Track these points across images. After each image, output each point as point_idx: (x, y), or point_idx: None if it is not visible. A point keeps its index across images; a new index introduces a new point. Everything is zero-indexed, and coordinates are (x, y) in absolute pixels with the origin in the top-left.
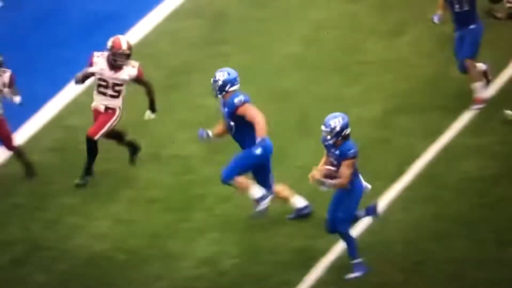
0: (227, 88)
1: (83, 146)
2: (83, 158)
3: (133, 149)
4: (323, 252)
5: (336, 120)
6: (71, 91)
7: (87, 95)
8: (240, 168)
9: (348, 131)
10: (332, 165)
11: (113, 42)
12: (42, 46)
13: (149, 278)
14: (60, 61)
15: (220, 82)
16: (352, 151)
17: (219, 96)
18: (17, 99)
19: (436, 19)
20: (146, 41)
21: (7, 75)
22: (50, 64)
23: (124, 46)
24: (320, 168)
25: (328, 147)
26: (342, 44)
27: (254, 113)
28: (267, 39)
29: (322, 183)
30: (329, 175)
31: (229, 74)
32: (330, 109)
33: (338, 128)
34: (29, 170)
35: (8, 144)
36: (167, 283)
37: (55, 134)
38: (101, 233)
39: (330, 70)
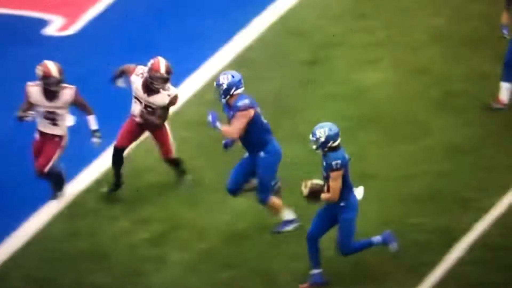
0: (232, 91)
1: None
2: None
3: (180, 172)
4: (463, 231)
5: (322, 130)
6: (213, 65)
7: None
8: (268, 184)
9: (335, 143)
10: (323, 177)
11: (152, 64)
12: (180, 15)
13: (286, 258)
14: (198, 35)
15: (224, 86)
16: (337, 161)
17: (223, 100)
18: (70, 120)
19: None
20: (291, 15)
21: (70, 92)
22: (187, 37)
23: (163, 70)
24: (307, 184)
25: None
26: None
27: (238, 122)
28: (411, 14)
29: (313, 201)
30: (317, 190)
31: (233, 76)
32: (473, 86)
33: (322, 139)
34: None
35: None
36: (303, 263)
37: (197, 109)
38: (242, 211)
39: (473, 44)
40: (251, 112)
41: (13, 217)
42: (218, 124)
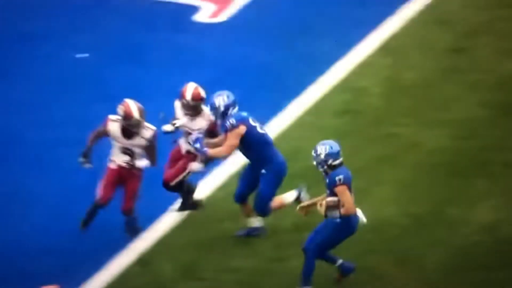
0: (229, 112)
1: (370, 110)
2: (372, 122)
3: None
4: None
5: (323, 147)
6: (359, 52)
7: (376, 57)
8: (267, 200)
9: (335, 161)
10: (327, 195)
11: (189, 92)
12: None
13: (426, 244)
14: (350, 21)
15: (221, 108)
16: (339, 177)
17: (221, 121)
18: (142, 163)
19: None
20: (436, 4)
21: (148, 133)
22: (340, 24)
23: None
24: (322, 202)
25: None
26: None
27: (228, 141)
28: None
29: (331, 214)
30: (332, 206)
31: (228, 97)
32: None
33: (322, 156)
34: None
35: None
36: (443, 249)
37: (342, 97)
38: (386, 198)
39: None
40: (242, 129)
41: (161, 203)
42: (205, 149)
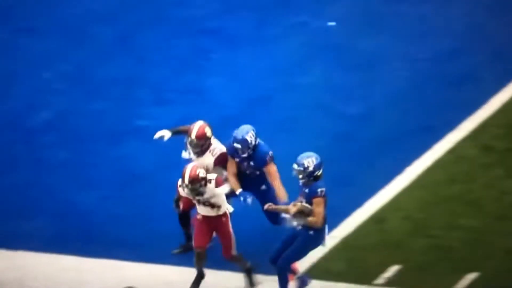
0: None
1: None
2: None
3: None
4: None
5: (310, 160)
6: None
7: None
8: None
9: (320, 172)
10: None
11: (195, 130)
12: None
13: None
14: None
15: (310, 169)
16: (322, 189)
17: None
18: (225, 189)
19: None
20: None
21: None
22: None
23: (193, 135)
24: (297, 204)
25: (300, 187)
26: None
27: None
28: None
29: (295, 219)
30: (303, 212)
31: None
32: None
33: (311, 168)
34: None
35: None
36: None
37: None
38: None
39: None
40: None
41: (398, 163)
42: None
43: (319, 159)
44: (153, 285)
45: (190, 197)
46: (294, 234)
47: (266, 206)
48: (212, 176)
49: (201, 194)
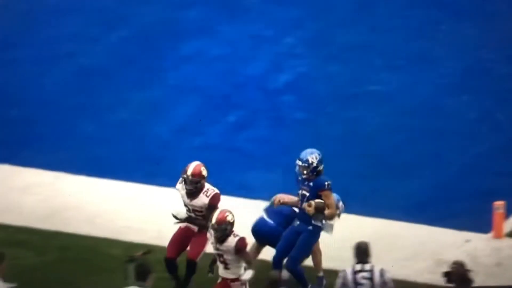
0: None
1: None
2: None
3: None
4: None
5: (313, 156)
6: None
7: None
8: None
9: (322, 167)
10: (304, 197)
11: (191, 168)
12: None
13: None
14: None
15: (314, 164)
16: (328, 182)
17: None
18: (247, 275)
19: None
20: None
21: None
22: None
23: (189, 172)
24: (311, 204)
25: (300, 181)
26: None
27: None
28: None
29: (317, 217)
30: (320, 207)
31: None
32: None
33: (315, 164)
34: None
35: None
36: None
37: None
38: None
39: None
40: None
41: None
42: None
43: (320, 154)
44: None
45: (213, 240)
46: (295, 232)
47: (275, 199)
48: (239, 234)
49: (222, 241)
